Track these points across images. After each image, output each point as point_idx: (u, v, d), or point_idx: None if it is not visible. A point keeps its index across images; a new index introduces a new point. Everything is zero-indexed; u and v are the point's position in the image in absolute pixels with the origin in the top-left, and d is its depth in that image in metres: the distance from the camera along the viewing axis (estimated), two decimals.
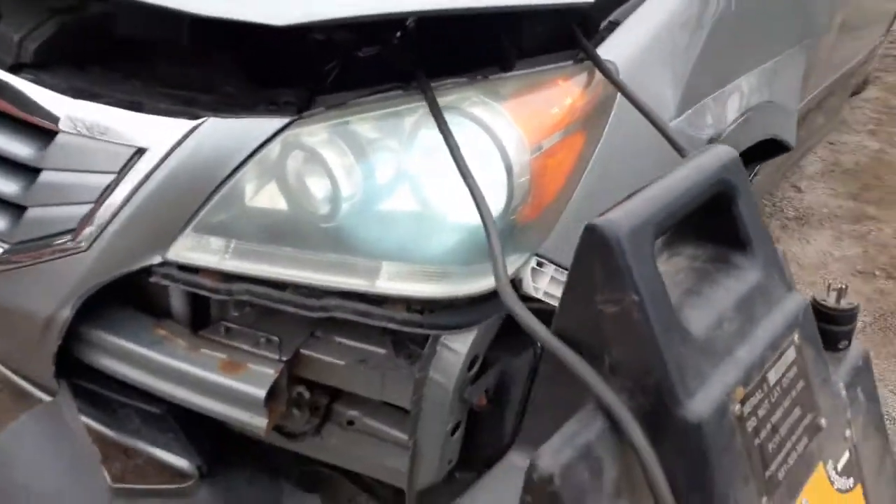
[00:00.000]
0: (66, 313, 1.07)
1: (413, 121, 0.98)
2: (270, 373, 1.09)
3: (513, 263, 1.00)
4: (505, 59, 1.00)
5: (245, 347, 1.13)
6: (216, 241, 1.03)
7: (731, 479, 0.54)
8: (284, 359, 1.11)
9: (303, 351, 1.13)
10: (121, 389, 1.20)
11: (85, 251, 1.03)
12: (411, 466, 1.16)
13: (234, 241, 1.03)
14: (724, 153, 0.65)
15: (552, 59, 1.03)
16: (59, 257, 1.04)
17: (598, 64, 0.99)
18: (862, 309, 2.41)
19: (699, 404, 0.54)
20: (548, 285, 1.05)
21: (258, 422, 1.10)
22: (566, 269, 1.06)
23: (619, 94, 1.03)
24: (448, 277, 0.99)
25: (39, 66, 1.03)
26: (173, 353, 1.11)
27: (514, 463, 0.63)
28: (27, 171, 1.05)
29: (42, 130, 1.02)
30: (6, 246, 1.08)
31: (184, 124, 0.97)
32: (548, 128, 0.99)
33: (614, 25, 1.08)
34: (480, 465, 1.25)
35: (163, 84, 1.04)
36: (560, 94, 1.00)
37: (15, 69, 1.03)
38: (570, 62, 1.02)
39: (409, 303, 1.02)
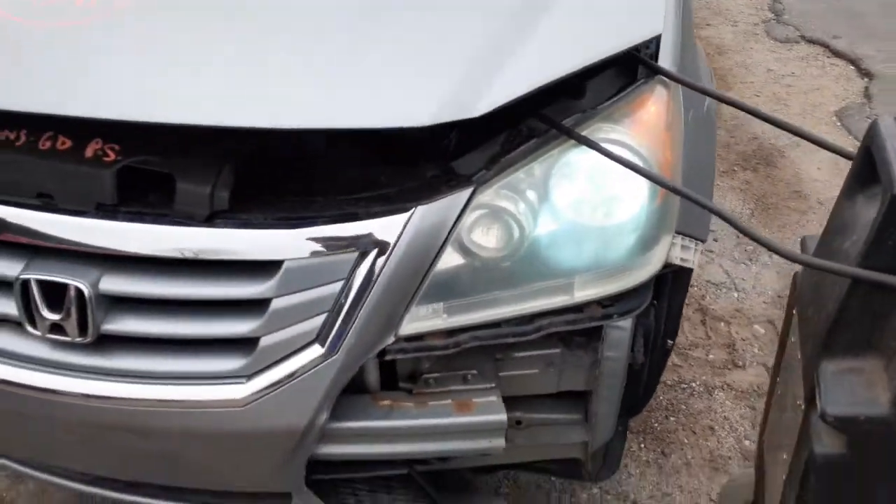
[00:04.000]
0: (324, 416, 1.16)
1: (556, 160, 1.20)
2: (494, 399, 1.27)
3: (667, 243, 1.27)
4: (578, 92, 1.25)
5: (458, 388, 1.29)
6: (435, 307, 1.19)
7: None
8: (493, 385, 1.29)
9: (501, 374, 1.32)
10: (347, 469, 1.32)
11: (335, 355, 1.13)
12: (593, 434, 1.40)
13: (449, 302, 1.19)
14: None
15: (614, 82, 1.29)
16: (311, 369, 1.13)
17: (673, 77, 1.27)
18: (742, 199, 2.97)
19: None
20: (681, 252, 1.33)
21: (497, 444, 1.28)
22: (689, 237, 1.34)
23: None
24: (628, 272, 1.23)
25: (233, 210, 1.10)
26: (409, 415, 1.24)
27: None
28: (252, 306, 1.12)
29: (263, 265, 1.10)
30: (244, 381, 1.14)
31: (399, 220, 1.11)
32: (657, 134, 1.26)
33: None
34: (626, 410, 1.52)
35: (347, 191, 1.16)
36: (652, 106, 1.28)
37: (210, 219, 1.09)
38: (642, 80, 1.29)
39: (601, 302, 1.25)
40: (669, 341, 1.50)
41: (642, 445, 1.86)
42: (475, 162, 1.20)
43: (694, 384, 1.97)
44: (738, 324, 2.16)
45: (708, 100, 1.47)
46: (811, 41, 4.08)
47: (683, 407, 1.93)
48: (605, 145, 1.17)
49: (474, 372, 1.30)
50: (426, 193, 1.14)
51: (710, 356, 2.06)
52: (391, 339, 1.18)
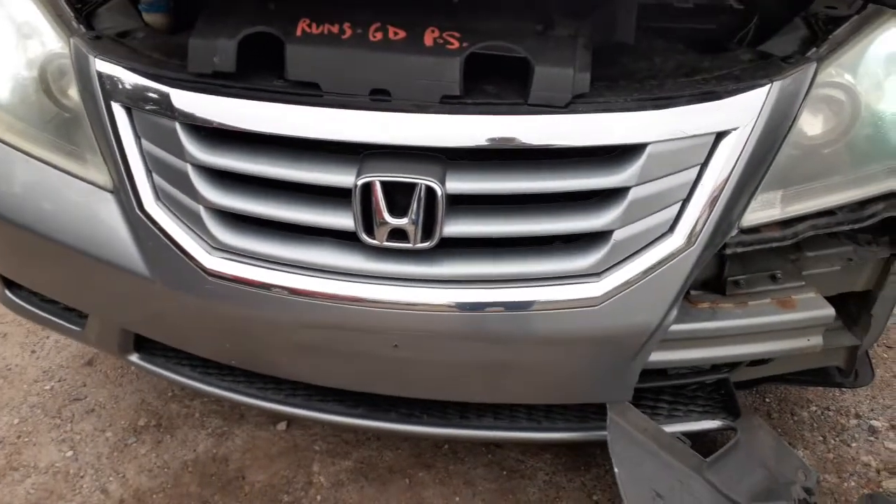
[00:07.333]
0: (673, 314, 1.11)
1: (883, 36, 1.15)
2: (814, 295, 1.22)
3: None
4: None
5: (770, 288, 1.23)
6: (771, 196, 1.13)
7: None
8: (804, 283, 1.24)
9: (804, 272, 1.27)
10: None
11: (692, 247, 1.07)
12: (865, 337, 1.37)
13: (782, 191, 1.14)
14: None
15: None
16: (668, 262, 1.07)
17: None
18: None
19: None
20: None
21: (816, 342, 1.23)
22: None
23: None
24: None
25: (591, 94, 1.03)
26: (733, 315, 1.18)
27: None
28: (607, 197, 1.05)
29: (625, 150, 1.03)
30: (595, 279, 1.07)
31: (757, 96, 1.04)
32: None
33: None
34: None
35: (685, 74, 1.09)
36: None
37: (569, 104, 1.02)
38: None
39: None
40: None
41: None
42: (784, 46, 1.15)
43: None
44: None
45: None
46: None
47: None
48: None
49: (777, 272, 1.25)
50: (773, 71, 1.07)
51: None
52: (734, 232, 1.12)
